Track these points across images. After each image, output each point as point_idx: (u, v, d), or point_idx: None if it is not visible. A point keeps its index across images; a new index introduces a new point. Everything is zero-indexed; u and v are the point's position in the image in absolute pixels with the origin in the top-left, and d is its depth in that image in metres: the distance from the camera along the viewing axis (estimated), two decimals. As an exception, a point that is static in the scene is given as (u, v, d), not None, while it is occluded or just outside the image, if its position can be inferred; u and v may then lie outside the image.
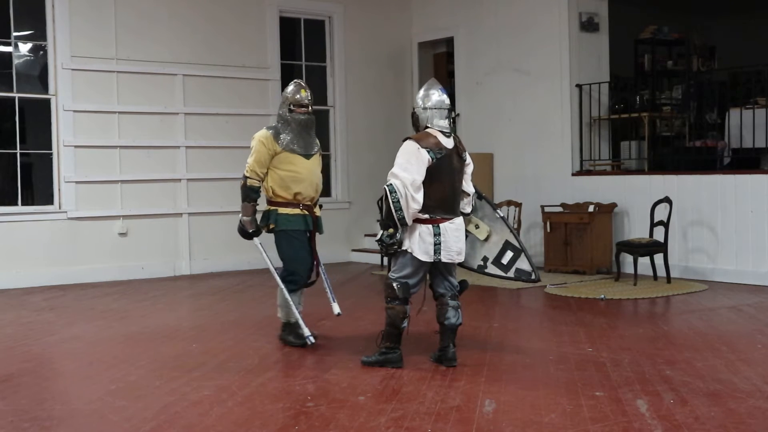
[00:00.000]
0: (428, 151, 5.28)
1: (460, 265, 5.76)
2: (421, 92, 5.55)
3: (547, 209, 10.18)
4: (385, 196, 5.28)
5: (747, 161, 9.82)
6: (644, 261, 9.04)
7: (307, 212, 6.09)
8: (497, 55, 11.23)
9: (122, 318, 7.62)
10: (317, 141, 6.31)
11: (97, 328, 7.17)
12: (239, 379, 5.22)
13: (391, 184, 5.25)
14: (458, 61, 11.79)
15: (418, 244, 5.32)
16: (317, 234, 6.22)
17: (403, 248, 5.36)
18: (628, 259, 9.25)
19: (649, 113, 10.49)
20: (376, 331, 6.21)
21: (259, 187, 6.09)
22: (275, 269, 6.13)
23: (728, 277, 9.00)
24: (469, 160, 5.61)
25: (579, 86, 10.46)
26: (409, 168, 5.24)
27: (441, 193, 5.34)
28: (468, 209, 5.68)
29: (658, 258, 9.05)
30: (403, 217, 5.25)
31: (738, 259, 8.99)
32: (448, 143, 5.41)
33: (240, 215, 6.14)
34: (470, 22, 11.55)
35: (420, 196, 5.24)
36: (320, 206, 6.32)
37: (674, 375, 5.15)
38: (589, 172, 10.42)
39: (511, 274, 5.72)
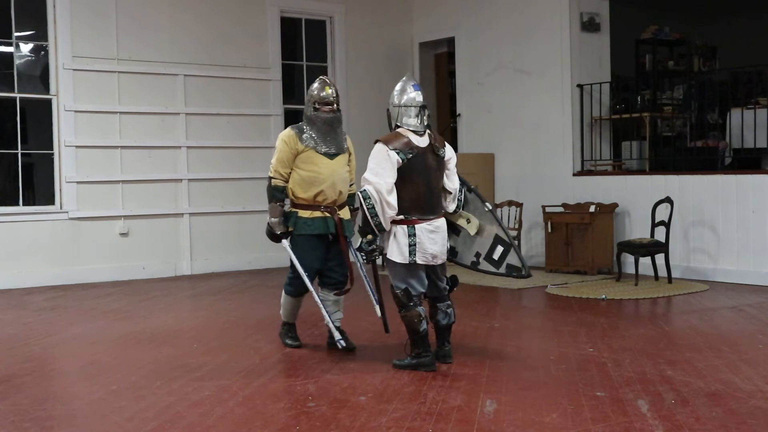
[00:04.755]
0: (397, 153, 5.21)
1: (454, 262, 5.71)
2: (397, 88, 5.44)
3: (548, 209, 10.18)
4: (360, 203, 5.21)
5: (748, 161, 9.81)
6: (645, 261, 9.04)
7: (328, 215, 5.88)
8: (498, 55, 11.23)
9: (123, 318, 7.62)
10: (347, 140, 6.09)
11: (98, 329, 7.17)
12: (240, 380, 5.22)
13: (364, 190, 5.18)
14: (459, 61, 11.79)
15: (395, 246, 5.27)
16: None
17: (386, 254, 5.30)
18: (629, 259, 9.24)
19: (650, 113, 10.50)
20: (376, 332, 6.24)
21: (284, 187, 5.88)
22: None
23: (729, 277, 9.00)
24: (450, 154, 5.48)
25: (580, 86, 10.45)
26: (380, 172, 5.17)
27: (415, 194, 5.26)
28: (451, 207, 5.54)
29: (660, 258, 9.05)
30: (380, 223, 5.19)
31: (739, 259, 8.99)
32: (421, 142, 5.32)
33: (268, 217, 5.92)
34: (471, 23, 11.54)
35: (393, 199, 5.17)
36: (352, 208, 6.11)
37: (675, 375, 5.14)
38: (590, 172, 10.41)
39: (502, 269, 5.52)
